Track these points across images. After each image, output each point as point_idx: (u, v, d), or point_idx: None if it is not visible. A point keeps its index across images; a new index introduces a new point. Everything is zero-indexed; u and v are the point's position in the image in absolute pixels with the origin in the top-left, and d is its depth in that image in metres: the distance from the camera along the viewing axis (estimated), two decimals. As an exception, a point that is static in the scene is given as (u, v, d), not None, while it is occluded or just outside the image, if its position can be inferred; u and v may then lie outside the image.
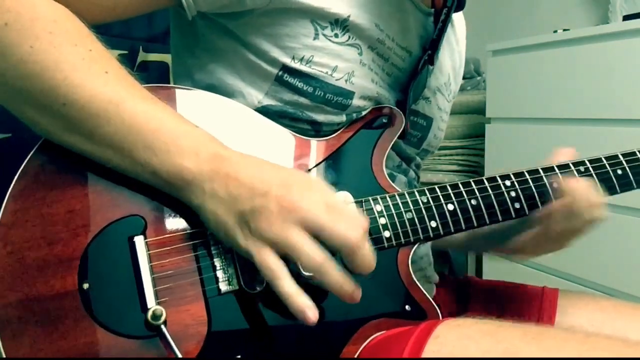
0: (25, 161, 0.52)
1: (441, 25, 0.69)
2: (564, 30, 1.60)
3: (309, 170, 0.60)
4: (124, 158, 0.51)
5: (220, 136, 0.53)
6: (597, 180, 0.63)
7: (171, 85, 0.61)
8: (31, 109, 0.51)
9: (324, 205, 0.48)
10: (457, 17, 0.82)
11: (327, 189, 0.50)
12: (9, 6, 0.48)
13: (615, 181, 0.64)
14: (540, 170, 0.63)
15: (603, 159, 0.65)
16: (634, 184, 0.65)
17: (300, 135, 0.62)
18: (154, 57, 1.21)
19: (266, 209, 0.48)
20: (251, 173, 0.49)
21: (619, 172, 0.64)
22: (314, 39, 0.60)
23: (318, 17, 0.60)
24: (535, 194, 0.62)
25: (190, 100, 0.59)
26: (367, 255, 0.48)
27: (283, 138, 0.61)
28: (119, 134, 0.50)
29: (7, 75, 0.49)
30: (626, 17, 1.57)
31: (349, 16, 0.61)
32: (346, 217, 0.48)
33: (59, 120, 0.51)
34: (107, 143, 0.51)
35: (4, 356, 0.46)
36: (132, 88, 0.52)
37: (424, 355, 0.49)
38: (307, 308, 0.47)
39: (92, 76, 0.50)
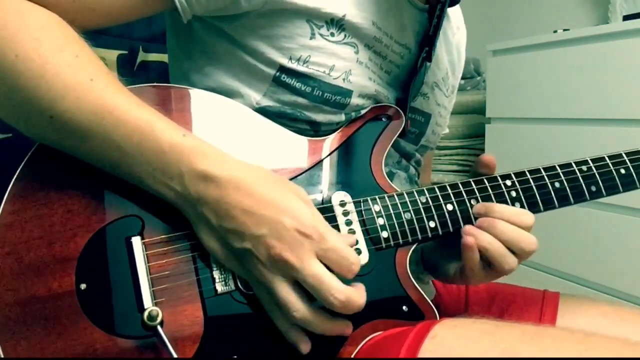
0: (23, 162, 0.52)
1: (436, 21, 0.69)
2: (564, 30, 1.60)
3: (308, 170, 0.60)
4: (115, 169, 0.51)
5: (218, 137, 0.53)
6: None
7: (170, 85, 0.60)
8: (22, 120, 0.51)
9: (314, 256, 0.49)
10: (453, 8, 0.81)
11: (320, 235, 0.49)
12: None
13: (618, 180, 0.63)
14: (542, 170, 0.63)
15: (606, 157, 0.64)
16: (637, 183, 0.64)
17: (299, 135, 0.62)
18: (154, 57, 1.21)
19: (255, 255, 0.48)
20: (242, 206, 0.49)
21: (622, 171, 0.63)
22: (310, 38, 0.60)
23: (314, 17, 0.60)
24: (537, 194, 0.62)
25: (190, 100, 0.59)
26: (353, 306, 0.49)
27: (282, 138, 0.61)
28: (105, 147, 0.49)
29: None
30: (626, 17, 1.57)
31: (344, 15, 0.61)
32: (337, 266, 0.49)
33: (49, 132, 0.50)
34: (96, 155, 0.51)
35: (2, 355, 0.46)
36: (117, 95, 0.50)
37: (420, 356, 0.49)
38: (299, 342, 0.51)
39: (77, 85, 0.49)
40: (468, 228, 0.59)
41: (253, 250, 0.48)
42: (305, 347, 0.51)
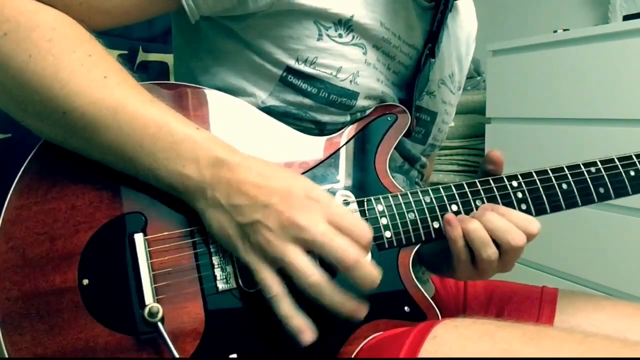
0: (29, 158, 0.53)
1: (440, 16, 0.68)
2: (564, 30, 1.60)
3: (312, 168, 0.60)
4: (126, 163, 0.51)
5: (225, 134, 0.53)
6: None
7: (178, 83, 0.61)
8: (32, 117, 0.51)
9: (324, 219, 0.48)
10: (461, 2, 0.80)
11: (330, 200, 0.50)
12: (8, 15, 0.48)
13: (627, 182, 0.62)
14: (549, 171, 0.62)
15: (615, 159, 0.63)
16: None
17: (303, 134, 0.62)
18: (153, 57, 1.21)
19: (265, 224, 0.48)
20: (253, 181, 0.49)
21: (632, 173, 0.62)
22: (318, 40, 0.60)
23: (321, 17, 0.60)
24: (543, 196, 0.61)
25: (198, 98, 0.59)
26: (367, 273, 0.48)
27: (287, 136, 0.61)
28: (117, 141, 0.50)
29: (7, 85, 0.49)
30: (626, 17, 1.56)
31: (352, 16, 0.61)
32: (348, 231, 0.49)
33: (60, 128, 0.51)
34: (107, 150, 0.51)
35: (4, 349, 0.46)
36: (131, 92, 0.51)
37: (420, 356, 0.49)
38: (302, 330, 0.49)
39: (91, 82, 0.49)
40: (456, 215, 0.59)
41: (262, 220, 0.48)
42: (309, 335, 0.48)
